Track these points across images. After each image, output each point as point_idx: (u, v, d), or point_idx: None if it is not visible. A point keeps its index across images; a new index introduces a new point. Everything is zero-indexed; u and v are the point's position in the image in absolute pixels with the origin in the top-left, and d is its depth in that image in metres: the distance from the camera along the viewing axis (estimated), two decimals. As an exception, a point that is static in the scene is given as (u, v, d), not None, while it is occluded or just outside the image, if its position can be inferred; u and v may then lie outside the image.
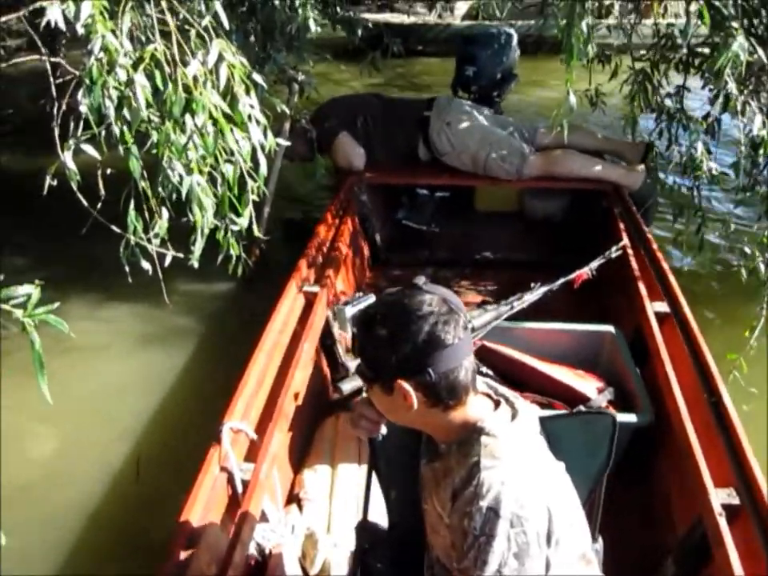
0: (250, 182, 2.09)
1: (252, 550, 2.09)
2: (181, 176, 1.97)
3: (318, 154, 4.11)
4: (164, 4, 2.04)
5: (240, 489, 2.12)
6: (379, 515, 1.80)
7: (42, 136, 2.20)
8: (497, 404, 1.44)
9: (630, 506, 2.44)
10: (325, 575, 2.18)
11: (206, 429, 2.25)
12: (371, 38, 4.45)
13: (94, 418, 3.22)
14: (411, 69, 8.07)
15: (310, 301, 2.95)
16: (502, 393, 1.48)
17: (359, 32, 4.04)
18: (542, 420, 1.52)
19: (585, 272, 2.87)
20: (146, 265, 2.14)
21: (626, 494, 2.42)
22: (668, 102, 3.31)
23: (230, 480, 2.12)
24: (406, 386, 1.33)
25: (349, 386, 2.59)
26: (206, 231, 2.09)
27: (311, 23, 2.94)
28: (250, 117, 2.00)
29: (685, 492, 2.25)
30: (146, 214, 2.09)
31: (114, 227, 2.11)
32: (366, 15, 8.20)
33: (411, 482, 1.56)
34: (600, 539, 1.73)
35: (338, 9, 4.11)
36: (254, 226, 2.21)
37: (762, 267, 2.78)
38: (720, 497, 2.05)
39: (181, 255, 2.16)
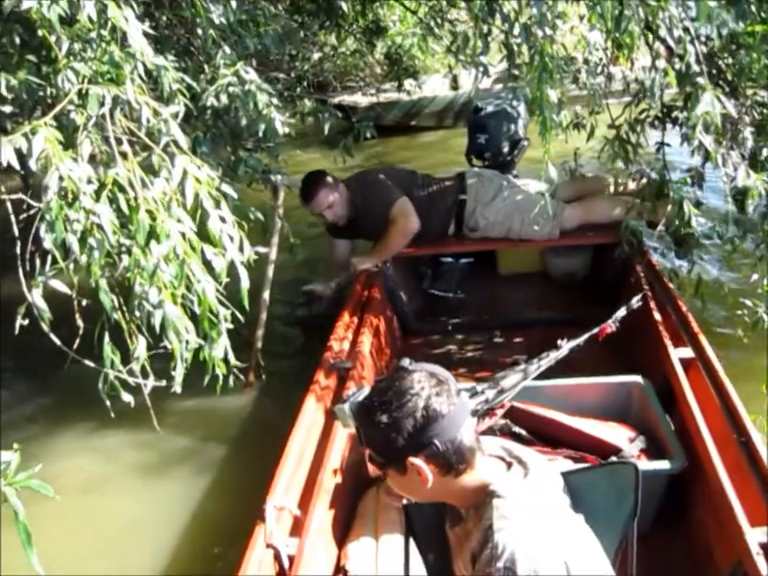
0: (222, 310, 2.05)
1: (302, 624, 2.13)
2: (153, 304, 1.91)
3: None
4: (122, 126, 2.03)
5: (287, 564, 2.18)
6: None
7: (10, 272, 2.10)
8: (509, 465, 1.52)
9: (672, 552, 2.45)
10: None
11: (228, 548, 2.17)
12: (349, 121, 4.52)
13: (106, 563, 2.95)
14: (386, 147, 8.06)
15: (342, 377, 3.03)
16: (517, 455, 1.55)
17: (327, 123, 3.87)
18: (565, 475, 1.59)
19: (609, 325, 2.92)
20: (127, 397, 2.06)
21: (667, 541, 2.45)
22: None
23: (277, 556, 2.19)
24: (418, 461, 1.42)
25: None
26: (187, 356, 2.03)
27: (278, 125, 2.83)
28: (221, 232, 1.99)
29: (723, 535, 2.26)
30: (127, 339, 2.02)
31: (89, 363, 2.05)
32: (341, 98, 8.34)
33: (447, 544, 1.62)
34: (639, 587, 1.76)
35: (307, 101, 4.15)
36: (230, 356, 2.13)
37: (765, 317, 2.82)
38: (757, 536, 2.07)
39: (163, 383, 2.09)
